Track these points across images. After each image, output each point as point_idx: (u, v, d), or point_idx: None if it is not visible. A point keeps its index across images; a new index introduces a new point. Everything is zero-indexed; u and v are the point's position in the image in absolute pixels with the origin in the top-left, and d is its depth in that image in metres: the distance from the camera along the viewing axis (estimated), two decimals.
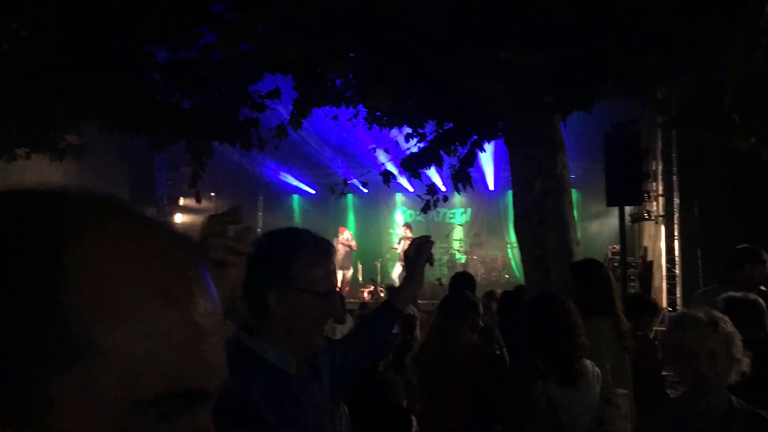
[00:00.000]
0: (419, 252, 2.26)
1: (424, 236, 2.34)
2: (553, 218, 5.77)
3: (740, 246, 5.33)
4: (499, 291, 15.14)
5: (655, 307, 5.44)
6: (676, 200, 13.52)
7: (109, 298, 0.46)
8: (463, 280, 6.16)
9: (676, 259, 13.46)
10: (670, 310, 13.15)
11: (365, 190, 14.70)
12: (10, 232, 0.47)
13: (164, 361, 0.47)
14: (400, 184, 16.67)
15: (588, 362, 3.06)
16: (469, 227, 18.65)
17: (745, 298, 3.59)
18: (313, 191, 19.51)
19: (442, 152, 6.91)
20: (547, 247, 5.76)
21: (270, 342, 1.87)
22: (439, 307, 4.14)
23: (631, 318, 4.25)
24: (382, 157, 14.42)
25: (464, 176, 7.14)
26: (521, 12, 4.48)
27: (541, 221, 5.73)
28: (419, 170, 7.20)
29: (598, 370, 3.09)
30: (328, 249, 1.98)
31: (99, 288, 0.46)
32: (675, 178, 13.55)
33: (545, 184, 5.75)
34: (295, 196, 19.86)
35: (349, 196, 17.66)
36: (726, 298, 3.63)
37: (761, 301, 3.67)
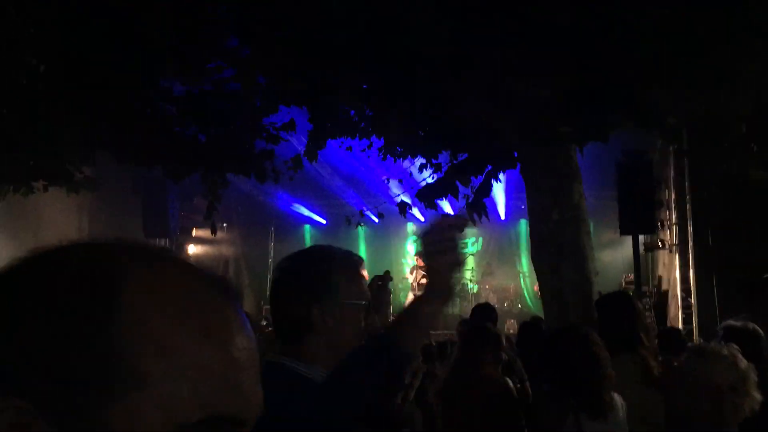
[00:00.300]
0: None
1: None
2: (570, 248, 5.75)
3: (766, 275, 5.27)
4: (511, 321, 15.10)
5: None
6: (690, 228, 13.45)
7: (155, 335, 0.53)
8: (484, 311, 6.09)
9: (692, 288, 13.35)
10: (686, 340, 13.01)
11: (376, 220, 14.72)
12: (72, 282, 0.55)
13: (205, 390, 0.53)
14: (411, 214, 16.65)
15: (616, 395, 3.02)
16: (481, 257, 18.61)
17: (745, 327, 3.55)
18: (324, 221, 19.54)
19: (457, 182, 6.91)
20: (565, 277, 5.73)
21: (313, 362, 1.82)
22: (461, 340, 4.10)
23: (666, 353, 4.18)
24: (394, 187, 14.52)
25: (480, 206, 7.13)
26: (526, 41, 4.51)
27: (558, 251, 5.71)
28: (435, 200, 7.19)
29: (624, 403, 3.05)
30: (360, 261, 2.00)
31: (146, 327, 0.53)
32: (688, 206, 13.50)
33: (562, 214, 5.74)
34: (307, 226, 19.90)
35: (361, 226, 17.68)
36: (725, 327, 3.59)
37: (760, 331, 3.62)
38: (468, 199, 7.37)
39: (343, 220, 18.28)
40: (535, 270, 6.22)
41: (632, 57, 4.54)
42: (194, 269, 0.61)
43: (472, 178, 7.33)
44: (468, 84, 4.69)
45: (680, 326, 13.17)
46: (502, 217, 17.81)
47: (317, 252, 1.99)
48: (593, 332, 3.14)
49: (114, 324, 0.52)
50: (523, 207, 17.31)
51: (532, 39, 4.30)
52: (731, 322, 3.66)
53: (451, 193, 7.03)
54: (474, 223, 7.54)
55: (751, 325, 3.61)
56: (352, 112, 7.18)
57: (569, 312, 5.63)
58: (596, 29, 4.37)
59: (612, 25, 4.33)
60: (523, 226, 18.33)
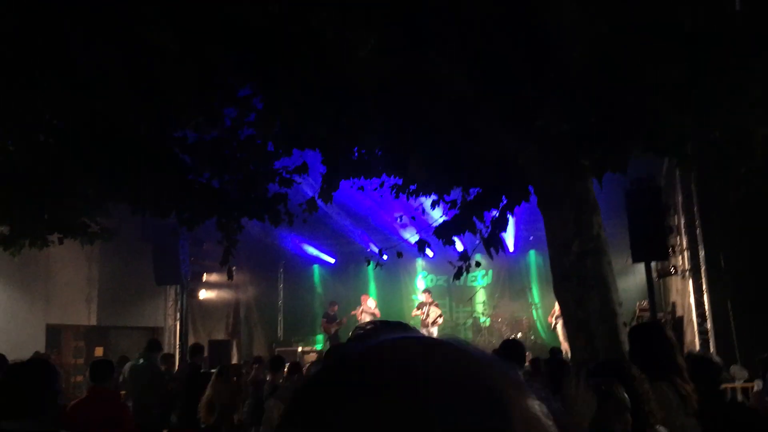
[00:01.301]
0: None
1: None
2: (593, 280, 5.74)
3: None
4: (527, 353, 14.97)
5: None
6: (702, 253, 13.43)
7: None
8: (513, 349, 5.88)
9: (707, 313, 13.29)
10: None
11: (385, 258, 14.72)
12: (466, 391, 0.53)
13: None
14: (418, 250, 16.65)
15: (662, 428, 3.00)
16: (492, 290, 18.55)
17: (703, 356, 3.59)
18: (332, 260, 19.54)
19: (474, 218, 6.94)
20: (589, 309, 5.71)
21: None
22: None
23: (693, 380, 4.16)
24: (406, 227, 14.55)
25: (496, 241, 7.15)
26: (545, 77, 4.58)
27: (582, 284, 5.71)
28: (452, 237, 7.22)
29: None
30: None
31: None
32: (698, 230, 13.50)
33: (583, 246, 5.75)
34: (316, 266, 19.89)
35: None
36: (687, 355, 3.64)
37: (717, 360, 3.66)
38: (481, 233, 7.39)
39: (352, 259, 18.45)
40: (559, 303, 6.21)
41: (649, 86, 4.60)
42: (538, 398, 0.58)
43: (486, 213, 7.38)
44: (489, 120, 4.75)
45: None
46: (511, 249, 17.78)
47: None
48: (634, 367, 3.13)
49: None
50: (531, 238, 17.35)
51: (551, 75, 4.36)
52: (691, 350, 3.69)
53: (469, 230, 7.06)
54: (491, 258, 7.56)
55: (709, 354, 3.65)
56: (364, 151, 7.25)
57: (596, 344, 5.61)
58: (613, 60, 4.43)
59: (628, 54, 4.40)
60: (533, 257, 18.31)
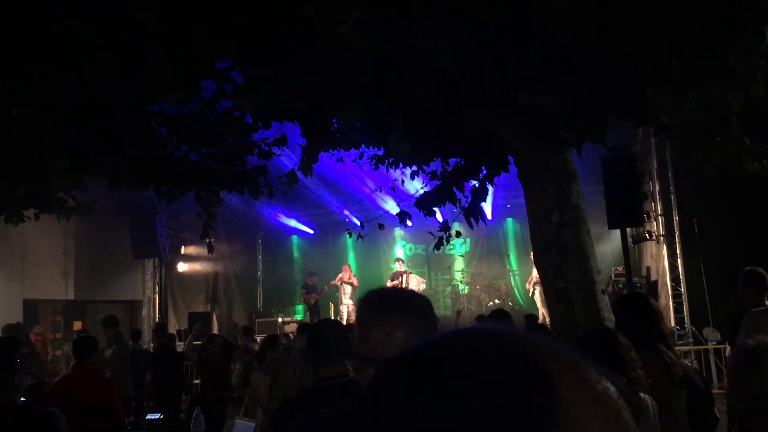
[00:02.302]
0: None
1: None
2: (572, 249, 5.83)
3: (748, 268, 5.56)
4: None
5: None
6: (676, 218, 13.66)
7: (583, 425, 0.55)
8: (502, 318, 5.89)
9: (681, 277, 13.57)
10: (678, 329, 13.21)
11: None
12: (505, 368, 0.57)
13: None
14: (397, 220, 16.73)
15: (646, 396, 3.08)
16: (470, 257, 18.72)
17: None
18: (311, 231, 19.54)
19: (454, 188, 6.98)
20: (568, 278, 5.81)
21: None
22: None
23: None
24: (384, 197, 14.56)
25: (477, 211, 7.20)
26: (530, 55, 4.59)
27: (561, 253, 5.79)
28: (432, 208, 7.26)
29: (656, 404, 3.12)
30: None
31: (577, 418, 0.55)
32: (672, 197, 13.72)
33: (563, 215, 5.82)
34: (294, 237, 19.88)
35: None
36: None
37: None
38: (461, 202, 7.44)
39: (331, 229, 18.46)
40: (539, 272, 6.30)
41: (629, 60, 4.64)
42: (601, 374, 0.61)
43: (465, 183, 7.41)
44: (471, 95, 4.76)
45: (672, 315, 13.38)
46: (489, 216, 17.92)
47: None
48: (620, 334, 3.20)
49: (555, 412, 0.54)
50: (508, 206, 17.48)
51: (533, 50, 4.38)
52: None
53: (450, 201, 7.10)
54: (471, 228, 7.62)
55: None
56: (342, 122, 7.22)
57: (575, 313, 5.72)
58: (594, 35, 4.45)
59: (610, 28, 4.42)
60: (510, 225, 18.47)
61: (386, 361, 0.63)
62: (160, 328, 10.83)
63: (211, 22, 4.72)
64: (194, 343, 11.15)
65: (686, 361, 9.48)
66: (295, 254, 19.88)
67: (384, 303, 1.76)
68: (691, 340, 12.85)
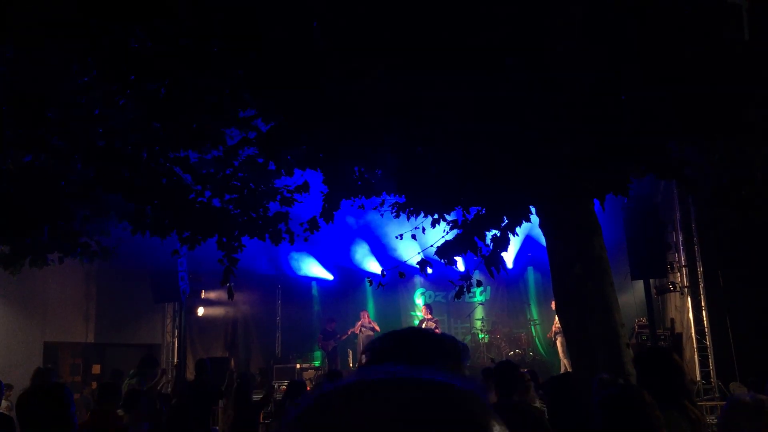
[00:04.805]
0: None
1: None
2: (595, 303, 5.76)
3: None
4: (524, 369, 14.95)
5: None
6: (700, 269, 13.47)
7: None
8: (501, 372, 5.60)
9: (706, 329, 13.30)
10: (703, 383, 12.91)
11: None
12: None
13: None
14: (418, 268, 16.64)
15: None
16: (490, 306, 18.52)
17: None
18: (331, 277, 19.49)
19: (475, 237, 6.95)
20: (591, 331, 5.73)
21: None
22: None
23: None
24: (401, 244, 14.52)
25: (497, 260, 7.15)
26: (547, 102, 4.62)
27: (584, 305, 5.72)
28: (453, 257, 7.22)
29: None
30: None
31: None
32: (696, 248, 13.54)
33: (585, 267, 5.77)
34: (314, 284, 19.83)
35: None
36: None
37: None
38: (481, 251, 7.39)
39: (351, 276, 18.41)
40: (561, 325, 6.22)
41: (651, 110, 4.64)
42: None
43: (486, 233, 7.38)
44: (492, 144, 4.78)
45: (697, 368, 13.08)
46: (510, 265, 17.79)
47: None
48: (646, 393, 3.13)
49: None
50: (530, 254, 17.36)
51: (554, 99, 4.40)
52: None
53: (470, 249, 7.06)
54: (492, 277, 7.55)
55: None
56: (364, 170, 7.27)
57: (599, 367, 5.61)
58: (615, 85, 4.48)
59: (631, 80, 4.44)
60: (531, 274, 18.31)
61: None
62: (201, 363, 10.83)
63: (250, 78, 4.80)
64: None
65: (712, 417, 9.23)
66: (315, 301, 19.80)
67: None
68: (717, 395, 12.52)
